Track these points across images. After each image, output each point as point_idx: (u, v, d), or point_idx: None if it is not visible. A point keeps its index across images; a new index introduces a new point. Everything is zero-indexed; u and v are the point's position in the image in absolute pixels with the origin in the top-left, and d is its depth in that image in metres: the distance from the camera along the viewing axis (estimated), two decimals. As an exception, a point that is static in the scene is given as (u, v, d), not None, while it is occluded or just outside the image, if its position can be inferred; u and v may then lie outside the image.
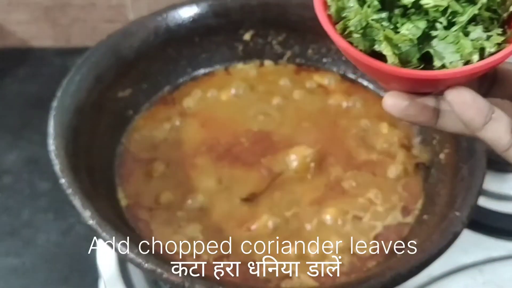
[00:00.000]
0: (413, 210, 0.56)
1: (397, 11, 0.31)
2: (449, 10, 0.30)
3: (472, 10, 0.30)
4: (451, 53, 0.30)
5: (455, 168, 0.55)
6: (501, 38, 0.30)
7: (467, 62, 0.30)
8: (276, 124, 0.63)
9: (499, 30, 0.31)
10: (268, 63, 0.70)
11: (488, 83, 0.34)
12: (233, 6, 0.66)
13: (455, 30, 0.30)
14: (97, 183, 0.54)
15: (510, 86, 0.33)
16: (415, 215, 0.56)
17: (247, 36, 0.69)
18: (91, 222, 0.46)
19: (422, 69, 0.31)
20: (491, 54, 0.30)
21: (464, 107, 0.30)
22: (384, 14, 0.31)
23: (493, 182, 0.66)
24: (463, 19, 0.30)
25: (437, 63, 0.30)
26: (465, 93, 0.30)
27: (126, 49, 0.62)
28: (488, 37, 0.30)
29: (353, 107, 0.66)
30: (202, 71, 0.68)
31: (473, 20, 0.30)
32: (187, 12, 0.65)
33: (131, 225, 0.54)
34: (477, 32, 0.30)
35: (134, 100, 0.64)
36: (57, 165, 0.49)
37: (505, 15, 0.31)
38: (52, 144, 0.51)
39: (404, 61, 0.31)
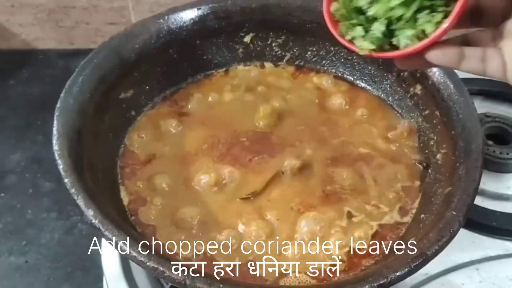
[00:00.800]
0: (410, 209, 0.57)
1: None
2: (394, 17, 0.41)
3: (412, 8, 0.40)
4: (406, 37, 0.41)
5: (452, 168, 0.55)
6: (441, 16, 0.40)
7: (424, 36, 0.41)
8: (276, 124, 0.64)
9: (441, 8, 0.40)
10: (268, 65, 0.71)
11: (476, 18, 0.43)
12: (234, 9, 0.66)
13: (404, 23, 0.41)
14: (100, 183, 0.54)
15: (491, 17, 0.42)
16: (412, 214, 0.56)
17: (247, 38, 0.69)
18: (94, 221, 0.46)
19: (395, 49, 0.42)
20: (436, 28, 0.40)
21: (439, 60, 0.41)
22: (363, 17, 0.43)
23: (489, 182, 0.67)
24: (408, 15, 0.41)
25: (401, 46, 0.41)
26: (436, 52, 0.41)
27: (128, 51, 0.62)
28: (432, 17, 0.40)
29: (352, 108, 0.66)
30: (203, 72, 0.69)
31: (420, 8, 0.40)
32: (189, 15, 0.65)
33: (133, 224, 0.55)
34: (423, 17, 0.40)
35: (136, 101, 0.64)
36: (60, 165, 0.49)
37: None
38: (55, 145, 0.51)
39: (382, 49, 0.43)
